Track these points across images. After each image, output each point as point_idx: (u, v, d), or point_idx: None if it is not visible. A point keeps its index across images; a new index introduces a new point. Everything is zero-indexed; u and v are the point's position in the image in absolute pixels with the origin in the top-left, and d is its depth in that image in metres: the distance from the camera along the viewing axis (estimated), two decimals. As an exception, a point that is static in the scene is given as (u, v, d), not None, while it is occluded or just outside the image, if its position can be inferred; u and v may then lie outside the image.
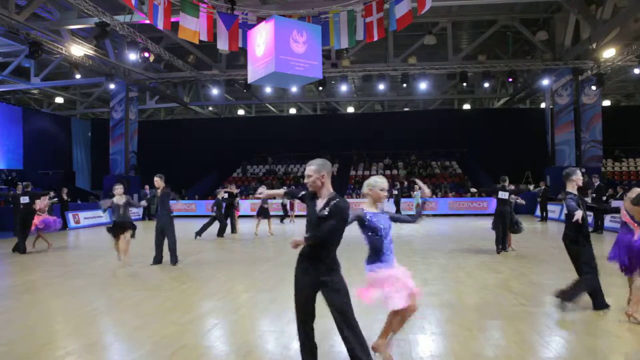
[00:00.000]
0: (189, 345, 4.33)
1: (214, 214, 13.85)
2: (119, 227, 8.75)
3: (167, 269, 8.44)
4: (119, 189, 8.84)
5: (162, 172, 9.20)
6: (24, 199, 10.78)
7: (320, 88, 21.48)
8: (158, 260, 8.92)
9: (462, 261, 8.97)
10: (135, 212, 21.28)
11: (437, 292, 6.47)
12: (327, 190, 3.32)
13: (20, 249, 10.67)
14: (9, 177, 22.52)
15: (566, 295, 5.33)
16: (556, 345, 4.27)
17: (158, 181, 8.93)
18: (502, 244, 9.89)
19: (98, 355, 4.21)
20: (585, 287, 5.33)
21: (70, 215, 17.55)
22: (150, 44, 16.33)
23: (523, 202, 10.65)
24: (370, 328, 4.76)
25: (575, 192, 5.47)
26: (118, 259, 8.89)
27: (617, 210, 5.70)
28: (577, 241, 5.35)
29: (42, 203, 11.29)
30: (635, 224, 5.22)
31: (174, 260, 8.83)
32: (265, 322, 5.19)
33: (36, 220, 11.11)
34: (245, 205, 21.46)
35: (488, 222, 11.47)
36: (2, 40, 17.95)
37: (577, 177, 5.46)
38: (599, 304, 5.33)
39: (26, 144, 26.22)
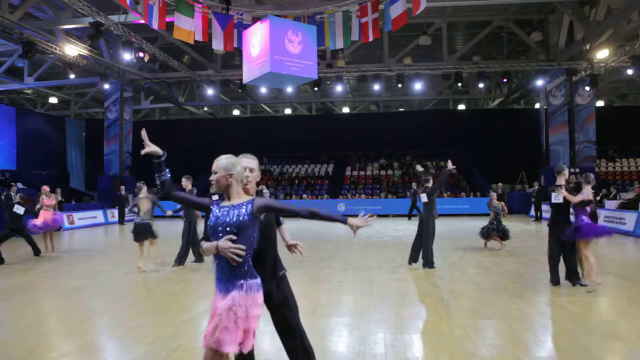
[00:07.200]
0: (184, 346, 4.32)
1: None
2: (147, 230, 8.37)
3: (163, 270, 8.42)
4: (144, 188, 8.52)
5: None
6: (19, 209, 10.32)
7: (316, 88, 21.47)
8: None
9: (456, 261, 9.00)
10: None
11: (432, 292, 6.49)
12: None
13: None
14: (3, 178, 22.36)
15: (575, 276, 6.50)
16: (551, 344, 4.29)
17: (184, 182, 8.74)
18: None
19: (93, 356, 4.19)
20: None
21: (64, 216, 17.42)
22: (144, 44, 16.27)
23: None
24: (366, 328, 4.77)
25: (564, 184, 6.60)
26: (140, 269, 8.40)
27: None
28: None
29: (50, 199, 11.09)
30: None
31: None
32: (261, 322, 5.17)
33: (47, 217, 10.86)
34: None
35: (480, 223, 11.57)
36: (-4, 40, 17.84)
37: (566, 172, 6.68)
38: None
39: (20, 144, 26.02)
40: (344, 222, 2.74)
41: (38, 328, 5.00)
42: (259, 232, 2.67)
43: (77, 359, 4.09)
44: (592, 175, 6.68)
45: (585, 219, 6.46)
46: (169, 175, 2.75)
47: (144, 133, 2.72)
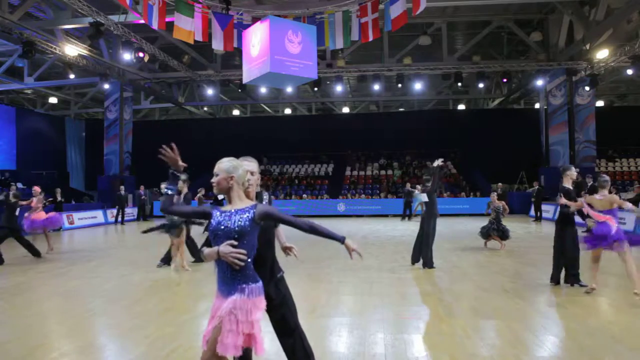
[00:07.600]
0: (184, 346, 4.32)
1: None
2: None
3: (161, 270, 8.41)
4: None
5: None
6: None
7: (316, 88, 21.46)
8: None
9: (456, 261, 9.00)
10: (129, 212, 21.17)
11: (431, 292, 6.49)
12: None
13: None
14: (2, 178, 22.36)
15: (573, 278, 6.41)
16: (551, 344, 4.29)
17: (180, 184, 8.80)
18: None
19: (93, 356, 4.19)
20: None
21: (64, 216, 17.42)
22: (144, 44, 16.26)
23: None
24: (366, 328, 4.77)
25: (570, 186, 6.37)
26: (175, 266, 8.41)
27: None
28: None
29: (37, 201, 11.10)
30: (600, 214, 5.81)
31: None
32: (260, 323, 5.18)
33: (38, 217, 10.92)
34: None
35: (480, 223, 11.57)
36: (-5, 40, 17.82)
37: (572, 173, 6.41)
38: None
39: (20, 144, 26.04)
40: (342, 241, 2.78)
41: (38, 328, 5.00)
42: (259, 235, 2.68)
43: (77, 359, 4.09)
44: (605, 177, 6.03)
45: (608, 227, 5.73)
46: (173, 192, 2.79)
47: (174, 153, 2.76)
